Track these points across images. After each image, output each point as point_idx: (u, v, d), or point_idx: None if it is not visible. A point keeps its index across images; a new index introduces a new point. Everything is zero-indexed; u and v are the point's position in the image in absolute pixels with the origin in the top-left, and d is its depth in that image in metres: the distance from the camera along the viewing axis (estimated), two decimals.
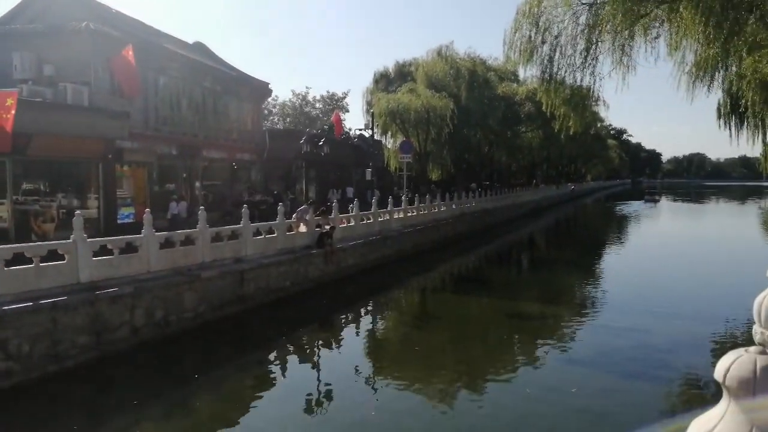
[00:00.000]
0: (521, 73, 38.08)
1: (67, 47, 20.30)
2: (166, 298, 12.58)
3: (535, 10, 17.52)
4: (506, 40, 18.57)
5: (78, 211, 12.91)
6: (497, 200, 44.08)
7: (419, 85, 38.10)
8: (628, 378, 10.82)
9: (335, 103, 58.28)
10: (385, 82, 43.58)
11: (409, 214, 27.31)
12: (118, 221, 20.93)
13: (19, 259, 10.27)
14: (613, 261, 28.03)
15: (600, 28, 16.21)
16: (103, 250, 11.84)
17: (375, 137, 41.49)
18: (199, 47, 31.90)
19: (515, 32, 18.20)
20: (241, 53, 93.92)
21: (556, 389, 10.11)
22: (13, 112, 15.26)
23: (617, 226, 48.07)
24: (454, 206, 33.62)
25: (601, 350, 12.61)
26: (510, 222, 44.09)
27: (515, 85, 44.30)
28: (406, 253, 24.92)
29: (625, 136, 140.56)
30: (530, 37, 17.94)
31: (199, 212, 14.79)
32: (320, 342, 14.07)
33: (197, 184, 27.25)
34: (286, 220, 18.02)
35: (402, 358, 12.80)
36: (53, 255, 10.88)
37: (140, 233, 12.80)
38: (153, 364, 11.36)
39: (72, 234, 11.30)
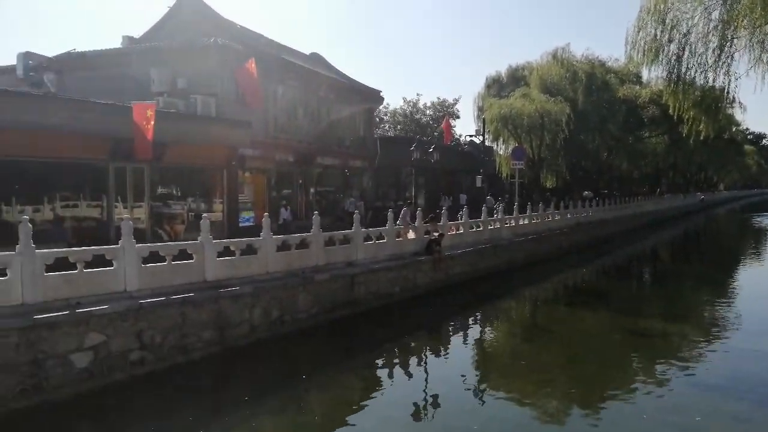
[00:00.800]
0: (644, 75, 36.03)
1: (198, 61, 21.91)
2: (281, 299, 13.14)
3: (662, 6, 16.45)
4: (628, 40, 17.61)
5: (205, 214, 13.85)
6: (617, 209, 41.74)
7: (533, 89, 37.11)
8: (763, 407, 9.76)
9: (446, 110, 58.21)
10: (497, 87, 42.89)
11: (521, 223, 26.59)
12: (240, 224, 22.21)
13: (153, 257, 11.17)
14: (749, 277, 25.52)
15: (735, 24, 14.89)
16: (226, 251, 12.59)
17: (486, 143, 40.92)
18: (316, 58, 33.19)
19: (639, 31, 17.21)
20: (354, 62, 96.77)
21: (678, 415, 9.32)
22: (152, 122, 16.69)
23: (754, 240, 43.79)
24: (569, 215, 32.29)
25: (732, 375, 11.46)
26: (631, 233, 41.59)
27: (637, 87, 41.82)
28: (516, 263, 24.27)
29: (764, 141, 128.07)
30: (655, 35, 16.87)
31: (313, 217, 15.31)
32: (428, 349, 14.02)
33: (311, 190, 28.30)
34: (396, 226, 18.21)
35: (511, 370, 12.43)
36: (183, 254, 11.71)
37: (259, 236, 13.47)
38: (269, 361, 11.88)
39: (199, 235, 12.12)
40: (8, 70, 23.38)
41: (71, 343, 9.22)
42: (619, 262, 31.15)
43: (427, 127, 57.65)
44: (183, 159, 19.85)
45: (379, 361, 12.77)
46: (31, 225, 9.64)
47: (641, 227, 45.62)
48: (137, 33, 26.81)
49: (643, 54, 17.25)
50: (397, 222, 19.09)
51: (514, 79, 42.22)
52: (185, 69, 22.11)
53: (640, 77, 41.40)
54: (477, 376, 12.01)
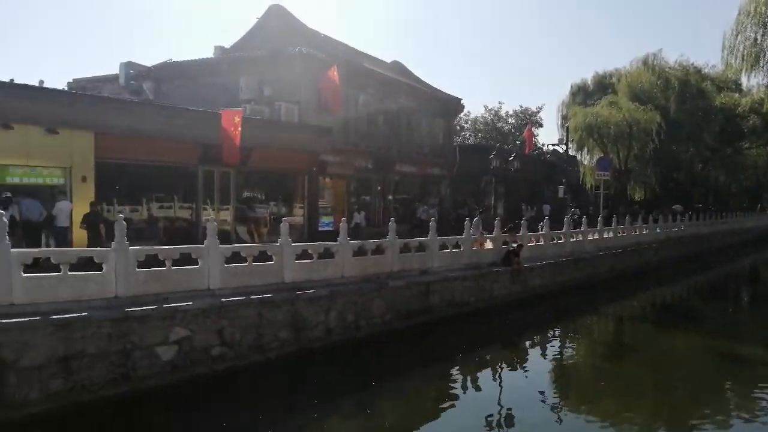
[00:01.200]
0: (744, 82, 33.67)
1: (283, 70, 22.62)
2: (356, 303, 13.24)
3: (762, 9, 15.33)
4: (726, 45, 16.57)
5: (284, 218, 14.18)
6: (712, 225, 39.18)
7: (621, 97, 35.63)
8: None
9: (528, 118, 56.98)
10: (582, 95, 41.52)
11: (606, 236, 25.49)
12: (320, 228, 22.66)
13: (235, 257, 11.56)
14: None
15: None
16: (304, 254, 12.84)
17: (569, 153, 39.66)
18: (396, 66, 33.44)
19: (737, 35, 16.16)
20: (436, 71, 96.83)
21: None
22: (240, 128, 17.37)
23: None
24: (658, 229, 30.64)
25: None
26: (728, 250, 38.94)
27: (736, 95, 39.17)
28: (599, 278, 23.27)
29: None
30: (755, 39, 15.77)
31: (389, 223, 15.34)
32: (503, 362, 13.67)
33: (389, 196, 28.46)
34: (472, 235, 17.94)
35: (591, 390, 11.87)
36: (263, 256, 12.05)
37: (337, 241, 13.66)
38: (342, 365, 11.97)
39: (279, 238, 12.44)
40: (112, 79, 25.11)
41: (158, 336, 9.68)
42: (714, 280, 29.18)
43: (509, 135, 56.63)
44: (267, 164, 20.50)
45: (453, 371, 12.57)
46: (126, 223, 10.25)
47: (740, 244, 42.60)
48: (228, 43, 28.05)
49: (742, 59, 16.18)
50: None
51: (601, 87, 40.72)
52: (271, 77, 22.88)
53: (740, 84, 38.80)
54: (555, 393, 11.56)
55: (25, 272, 8.91)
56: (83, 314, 8.93)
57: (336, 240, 13.69)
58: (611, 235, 25.98)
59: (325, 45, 25.84)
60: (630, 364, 13.94)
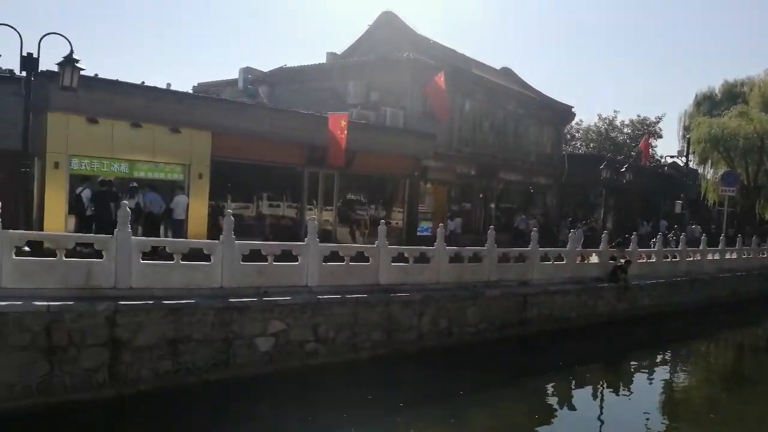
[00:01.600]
0: None
1: (390, 75, 22.92)
2: (450, 310, 13.09)
3: None
4: None
5: (382, 221, 14.33)
6: None
7: (752, 107, 32.63)
8: None
9: (646, 128, 53.65)
10: (708, 104, 38.40)
11: (729, 257, 23.44)
12: (418, 233, 22.69)
13: (334, 256, 11.82)
14: None
15: None
16: (401, 258, 12.90)
17: (689, 166, 36.88)
18: (506, 72, 32.81)
19: None
20: (549, 78, 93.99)
21: None
22: (346, 132, 17.81)
23: None
24: None
25: None
26: None
27: None
28: (718, 301, 21.43)
29: None
30: None
31: (488, 232, 15.04)
32: (605, 383, 12.94)
33: (492, 204, 27.95)
34: (577, 248, 17.18)
35: (705, 423, 10.91)
36: (360, 256, 12.25)
37: (434, 246, 13.60)
38: (433, 370, 11.86)
39: (377, 240, 12.58)
40: (232, 83, 26.67)
41: (257, 327, 10.11)
42: None
43: (624, 146, 53.64)
44: (370, 167, 20.84)
45: (549, 388, 12.08)
46: (234, 219, 10.82)
47: None
48: (340, 50, 28.89)
49: None
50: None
51: (731, 96, 37.44)
52: (378, 82, 23.26)
53: None
54: (660, 421, 10.75)
55: (143, 259, 9.64)
56: (191, 301, 9.52)
57: (433, 245, 13.64)
58: (735, 256, 23.85)
59: (433, 51, 25.88)
60: (749, 397, 12.69)
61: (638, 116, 57.36)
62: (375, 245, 12.51)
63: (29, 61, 11.31)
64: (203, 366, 9.52)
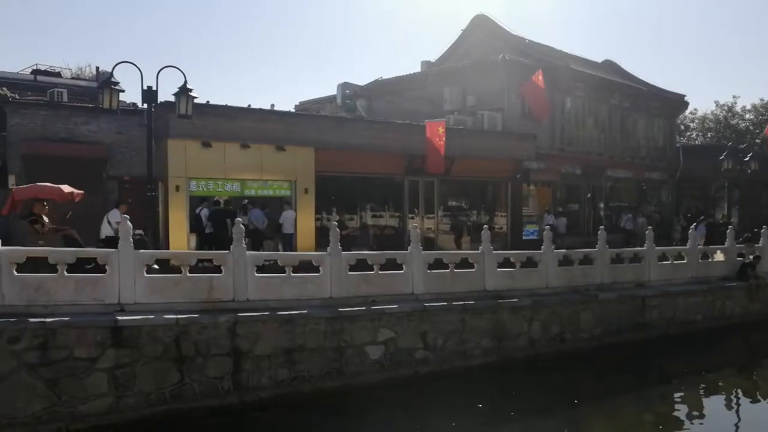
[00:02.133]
0: None
1: (485, 78, 22.64)
2: (561, 315, 12.64)
3: None
4: None
5: (485, 226, 14.13)
6: None
7: None
8: None
9: None
10: None
11: None
12: (524, 237, 22.16)
13: (438, 264, 11.81)
14: None
15: None
16: (506, 263, 12.64)
17: None
18: (609, 65, 31.34)
19: None
20: (657, 67, 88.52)
21: None
22: (444, 138, 17.81)
23: None
24: None
25: None
26: None
27: None
28: None
29: None
30: None
31: (599, 232, 14.39)
32: (740, 391, 11.92)
33: (600, 204, 26.73)
34: (699, 246, 16.00)
35: None
36: (464, 263, 12.14)
37: (540, 249, 13.21)
38: (546, 377, 11.48)
39: (481, 246, 12.43)
40: (331, 100, 27.59)
41: (367, 335, 10.31)
42: None
43: (747, 133, 49.35)
44: (470, 172, 20.67)
45: (677, 395, 11.29)
46: (339, 230, 11.13)
47: None
48: (434, 57, 28.97)
49: None
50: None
51: None
52: (474, 86, 23.05)
53: None
54: None
55: (257, 273, 10.15)
56: (304, 312, 9.88)
57: (540, 248, 13.26)
58: None
59: (529, 50, 25.27)
60: None
61: (761, 100, 52.59)
62: (479, 251, 12.36)
63: (149, 94, 12.32)
64: (317, 374, 9.83)
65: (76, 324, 8.31)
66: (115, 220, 11.38)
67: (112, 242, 10.76)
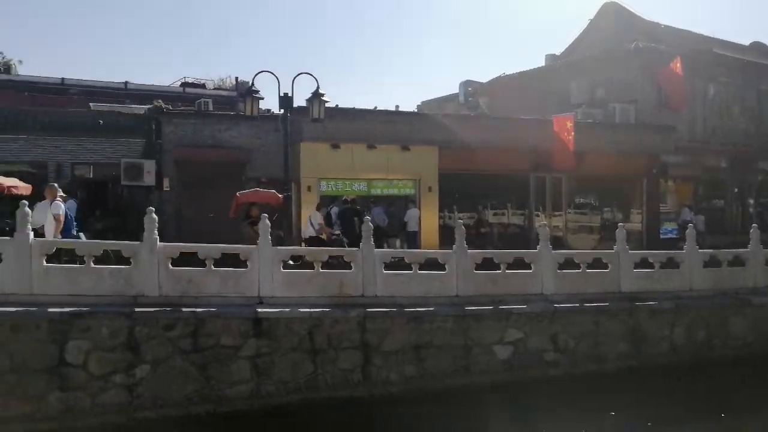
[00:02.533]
0: None
1: (616, 69, 21.44)
2: (708, 320, 11.65)
3: None
4: None
5: (620, 224, 13.35)
6: None
7: None
8: None
9: None
10: None
11: None
12: (661, 236, 20.71)
13: (568, 264, 11.35)
14: None
15: None
16: (643, 263, 11.87)
17: None
18: (757, 47, 28.37)
19: None
20: None
21: None
22: (572, 133, 17.13)
23: None
24: None
25: None
26: None
27: None
28: None
29: None
30: None
31: (751, 231, 13.07)
32: None
33: (750, 200, 24.27)
34: None
35: None
36: (597, 263, 11.56)
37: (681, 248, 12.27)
38: (692, 386, 10.62)
39: (614, 245, 11.77)
40: (453, 98, 27.56)
41: (494, 335, 10.16)
42: None
43: None
44: (600, 168, 19.69)
45: None
46: (464, 228, 11.07)
47: None
48: (559, 50, 27.95)
49: None
50: None
51: None
52: (603, 78, 21.94)
53: None
54: None
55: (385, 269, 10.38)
56: (431, 309, 9.95)
57: (678, 248, 12.30)
58: None
59: (665, 36, 23.56)
60: None
61: None
62: (614, 250, 11.71)
63: (286, 100, 13.05)
64: (445, 371, 9.85)
65: (222, 314, 8.98)
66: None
67: (315, 242, 11.93)
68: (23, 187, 12.99)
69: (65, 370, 8.09)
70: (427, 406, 9.38)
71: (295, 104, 13.88)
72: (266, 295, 9.59)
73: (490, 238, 18.23)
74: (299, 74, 13.28)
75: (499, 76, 27.09)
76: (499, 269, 10.83)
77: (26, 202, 9.01)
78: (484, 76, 31.98)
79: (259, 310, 9.16)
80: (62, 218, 10.54)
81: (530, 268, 11.08)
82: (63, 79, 24.31)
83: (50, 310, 8.17)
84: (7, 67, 33.20)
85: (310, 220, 13.67)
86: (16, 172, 15.16)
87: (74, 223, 11.45)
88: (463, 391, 9.70)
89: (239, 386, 8.91)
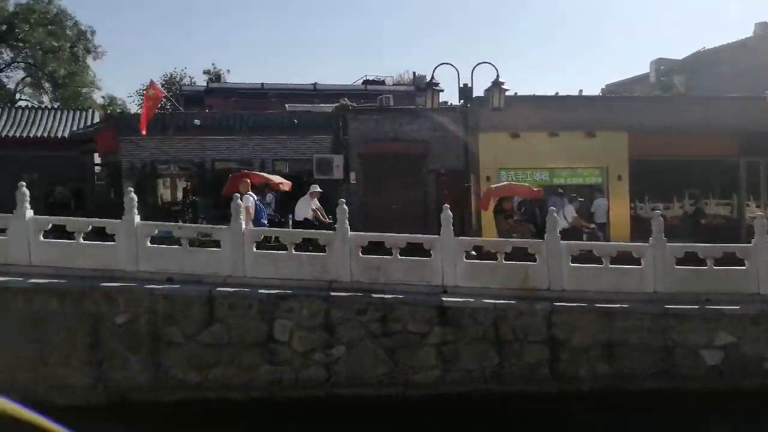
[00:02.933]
0: None
1: None
2: None
3: None
4: None
5: None
6: None
7: None
8: None
9: None
10: None
11: None
12: None
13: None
14: None
15: None
16: None
17: None
18: None
19: None
20: None
21: None
22: None
23: None
24: None
25: None
26: None
27: None
28: None
29: None
30: None
31: None
32: None
33: None
34: None
35: None
36: None
37: None
38: None
39: None
40: (642, 79, 25.42)
41: (700, 337, 9.19)
42: None
43: None
44: None
45: None
46: (662, 220, 10.14)
47: None
48: None
49: None
50: None
51: None
52: None
53: None
54: None
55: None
56: (625, 305, 9.30)
57: None
58: None
59: None
60: None
61: None
62: None
63: (465, 91, 13.06)
64: (641, 373, 9.16)
65: (408, 301, 9.29)
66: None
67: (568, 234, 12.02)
68: (287, 184, 14.56)
69: (273, 346, 8.98)
70: (622, 408, 8.81)
71: (474, 95, 13.84)
72: (449, 285, 9.69)
73: (689, 230, 16.51)
74: (479, 64, 13.20)
75: (698, 51, 24.35)
76: (705, 265, 9.75)
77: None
78: (678, 53, 28.89)
79: (444, 298, 9.30)
80: (252, 210, 11.60)
81: (744, 264, 9.82)
82: (263, 84, 26.95)
83: (260, 291, 9.12)
84: (218, 77, 37.72)
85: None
86: (226, 169, 17.18)
87: (264, 213, 12.55)
88: (665, 396, 8.95)
89: (426, 372, 9.15)
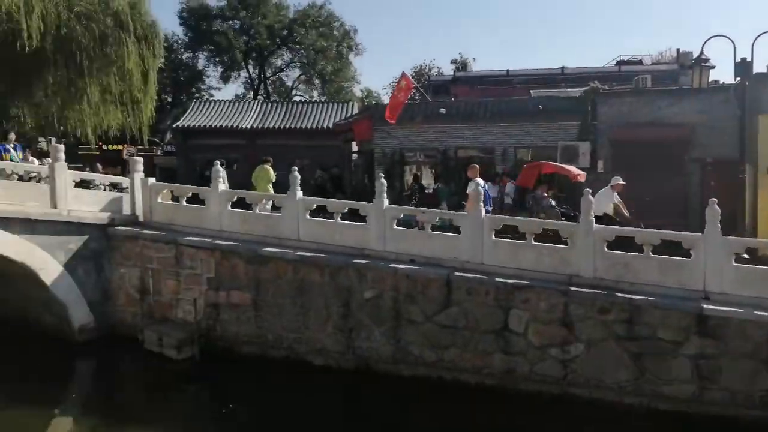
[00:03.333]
0: None
1: None
2: None
3: None
4: None
5: None
6: None
7: None
8: None
9: None
10: None
11: None
12: None
13: None
14: None
15: None
16: None
17: None
18: None
19: None
20: None
21: None
22: None
23: None
24: None
25: None
26: None
27: None
28: None
29: None
30: None
31: None
32: None
33: None
34: None
35: None
36: None
37: None
38: None
39: None
40: None
41: None
42: None
43: None
44: None
45: None
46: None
47: None
48: None
49: None
50: None
51: None
52: None
53: None
54: None
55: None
56: None
57: None
58: None
59: None
60: None
61: None
62: None
63: (743, 67, 11.22)
64: None
65: (660, 305, 8.37)
66: None
67: None
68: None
69: (508, 335, 8.91)
70: None
71: (754, 70, 11.79)
72: (712, 291, 8.49)
73: None
74: (761, 34, 11.20)
75: None
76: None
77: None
78: None
79: (705, 306, 8.19)
80: (475, 195, 11.06)
81: None
82: (508, 70, 26.64)
83: (496, 279, 9.08)
84: (464, 65, 38.50)
85: None
86: (467, 157, 17.40)
87: (490, 200, 11.98)
88: None
89: (677, 386, 8.21)
